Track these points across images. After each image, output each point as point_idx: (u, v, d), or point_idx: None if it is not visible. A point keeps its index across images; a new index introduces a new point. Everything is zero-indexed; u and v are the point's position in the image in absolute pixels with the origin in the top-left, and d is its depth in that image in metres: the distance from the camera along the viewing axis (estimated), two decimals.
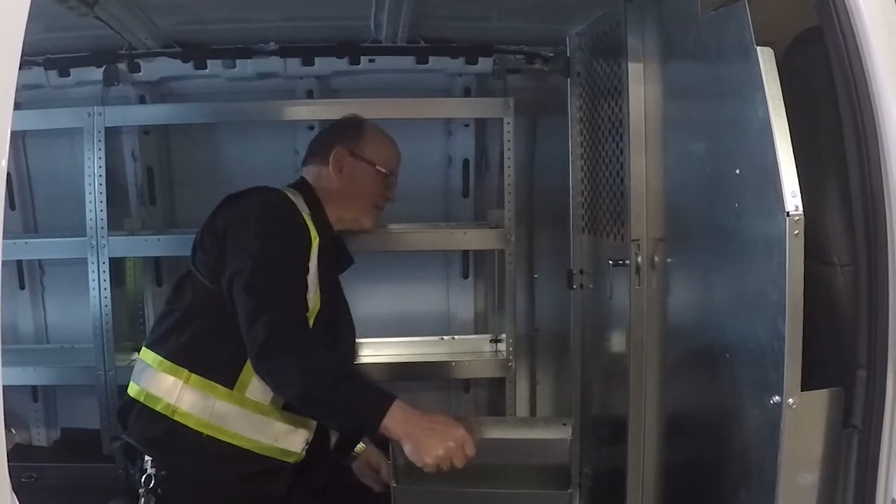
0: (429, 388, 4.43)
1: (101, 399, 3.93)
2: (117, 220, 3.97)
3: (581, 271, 3.66)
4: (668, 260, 2.82)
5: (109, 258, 3.86)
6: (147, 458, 2.67)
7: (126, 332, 4.10)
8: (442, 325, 4.46)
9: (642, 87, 2.88)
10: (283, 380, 2.62)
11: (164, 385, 2.73)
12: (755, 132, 2.12)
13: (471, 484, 2.60)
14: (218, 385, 2.69)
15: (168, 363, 2.74)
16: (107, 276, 3.85)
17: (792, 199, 2.00)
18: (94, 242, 3.82)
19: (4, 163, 1.69)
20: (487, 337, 4.34)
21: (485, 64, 3.98)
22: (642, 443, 2.97)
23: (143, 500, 2.66)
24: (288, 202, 2.84)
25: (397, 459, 2.61)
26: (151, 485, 2.66)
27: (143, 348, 2.87)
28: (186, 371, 2.71)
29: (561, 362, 4.30)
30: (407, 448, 2.50)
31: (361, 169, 3.07)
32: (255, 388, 2.68)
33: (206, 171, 4.15)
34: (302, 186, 3.03)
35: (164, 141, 4.26)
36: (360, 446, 3.12)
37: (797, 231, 2.00)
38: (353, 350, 3.18)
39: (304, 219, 2.81)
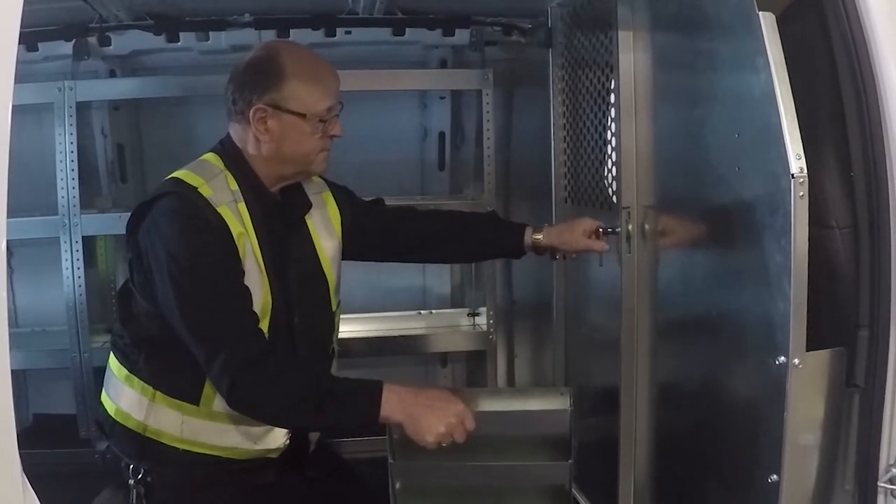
0: (406, 363, 4.45)
1: (76, 382, 3.92)
2: (87, 198, 3.95)
3: None
4: (660, 227, 2.82)
5: (82, 237, 3.82)
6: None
7: (99, 312, 4.06)
8: (418, 300, 4.49)
9: (632, 56, 2.87)
10: (264, 419, 2.57)
11: (132, 401, 2.63)
12: (757, 96, 2.11)
13: (469, 457, 2.59)
14: (183, 403, 2.58)
15: (134, 378, 2.62)
16: (80, 255, 3.82)
17: (797, 161, 2.00)
18: (67, 221, 3.79)
19: None
20: (465, 310, 4.39)
21: (462, 36, 3.97)
22: (634, 411, 2.97)
23: (133, 491, 2.62)
24: (195, 205, 2.49)
25: (393, 434, 2.60)
26: (140, 476, 2.62)
27: (111, 351, 2.74)
28: (151, 389, 2.60)
29: (539, 334, 4.32)
30: (407, 428, 2.45)
31: (291, 123, 2.58)
32: (222, 400, 2.50)
33: (177, 148, 4.05)
34: (228, 149, 2.67)
35: (135, 117, 4.23)
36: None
37: (802, 193, 2.00)
38: (324, 305, 2.83)
39: (217, 215, 2.49)
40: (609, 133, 3.11)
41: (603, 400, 3.18)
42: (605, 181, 3.16)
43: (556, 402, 2.64)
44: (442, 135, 4.34)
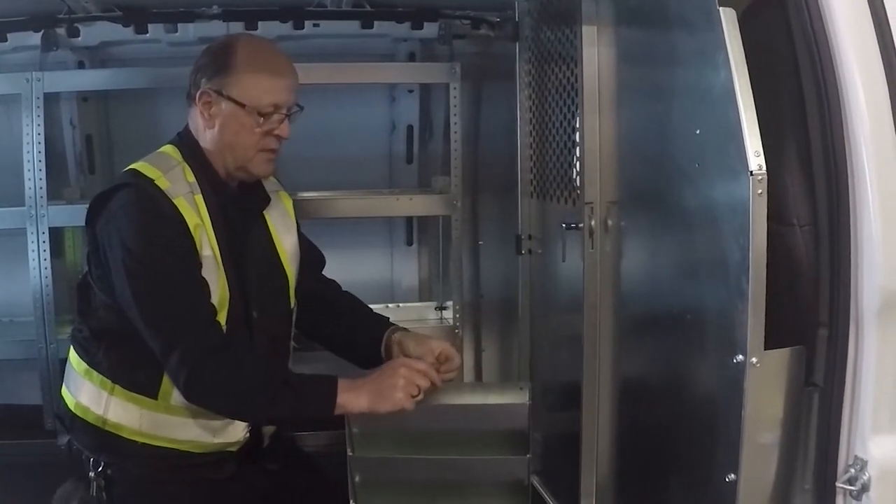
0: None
1: (43, 373, 3.87)
2: (55, 189, 3.90)
3: (529, 236, 3.65)
4: (622, 223, 2.81)
5: (49, 228, 3.78)
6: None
7: (66, 304, 4.03)
8: (386, 293, 4.46)
9: (596, 50, 2.86)
10: (220, 411, 2.59)
11: (90, 395, 2.63)
12: (717, 92, 2.10)
13: (429, 451, 2.60)
14: (142, 396, 2.58)
15: (93, 372, 2.62)
16: (47, 246, 3.78)
17: (755, 158, 1.99)
18: (34, 212, 3.74)
19: None
20: (432, 304, 4.38)
21: (430, 29, 3.95)
22: (596, 406, 2.97)
23: (94, 483, 2.62)
24: (151, 197, 2.49)
25: (352, 427, 2.60)
26: (100, 469, 2.62)
27: (71, 345, 2.75)
28: (110, 382, 2.59)
29: (506, 329, 4.35)
30: (374, 405, 2.47)
31: (230, 112, 2.58)
32: (180, 393, 2.52)
33: (145, 139, 3.89)
34: (186, 141, 2.69)
35: (104, 108, 4.19)
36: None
37: (760, 190, 1.99)
38: (283, 301, 2.84)
39: (173, 207, 2.49)
40: (574, 128, 3.10)
41: (566, 395, 3.17)
42: (570, 176, 3.15)
43: (515, 397, 2.65)
44: (410, 128, 4.31)
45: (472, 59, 4.06)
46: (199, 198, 2.57)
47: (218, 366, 2.46)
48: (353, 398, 2.47)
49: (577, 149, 3.03)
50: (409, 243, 4.53)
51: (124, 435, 2.60)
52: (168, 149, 2.68)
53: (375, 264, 4.50)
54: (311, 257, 3.01)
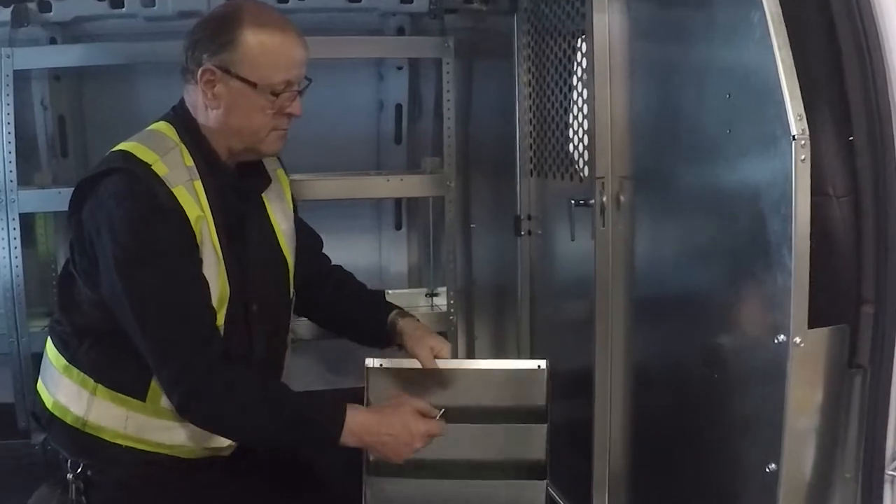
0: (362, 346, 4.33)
1: (15, 369, 3.71)
2: (26, 174, 3.74)
3: (529, 217, 3.56)
4: (636, 198, 2.71)
5: (20, 214, 3.63)
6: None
7: (38, 295, 3.90)
8: (374, 279, 4.30)
9: (606, 17, 2.74)
10: (216, 433, 2.43)
11: (70, 393, 2.43)
12: (752, 52, 2.00)
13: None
14: (128, 397, 2.39)
15: (73, 369, 2.42)
16: (17, 234, 3.63)
17: (798, 122, 1.88)
18: (4, 198, 3.59)
19: None
20: (423, 291, 4.31)
21: (420, 3, 3.82)
22: (608, 393, 2.87)
23: (72, 486, 2.44)
24: (147, 185, 2.26)
25: None
26: (79, 471, 2.44)
27: (48, 337, 2.54)
28: (92, 381, 2.40)
29: (500, 315, 4.26)
30: (373, 453, 2.42)
31: (239, 92, 2.33)
32: None
33: (121, 119, 3.70)
34: (182, 117, 2.44)
35: (77, 87, 4.03)
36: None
37: (804, 156, 1.88)
38: (283, 290, 2.66)
39: (172, 197, 2.27)
40: (581, 101, 3.01)
41: (575, 383, 3.05)
42: (577, 152, 3.07)
43: (532, 366, 2.62)
44: (399, 107, 4.21)
45: (464, 34, 3.95)
46: (199, 184, 2.35)
47: (215, 391, 2.30)
48: (355, 439, 2.35)
49: (586, 122, 2.93)
50: (398, 227, 4.45)
51: (106, 437, 2.41)
52: (163, 126, 2.44)
53: (362, 249, 4.40)
54: (310, 240, 2.87)
